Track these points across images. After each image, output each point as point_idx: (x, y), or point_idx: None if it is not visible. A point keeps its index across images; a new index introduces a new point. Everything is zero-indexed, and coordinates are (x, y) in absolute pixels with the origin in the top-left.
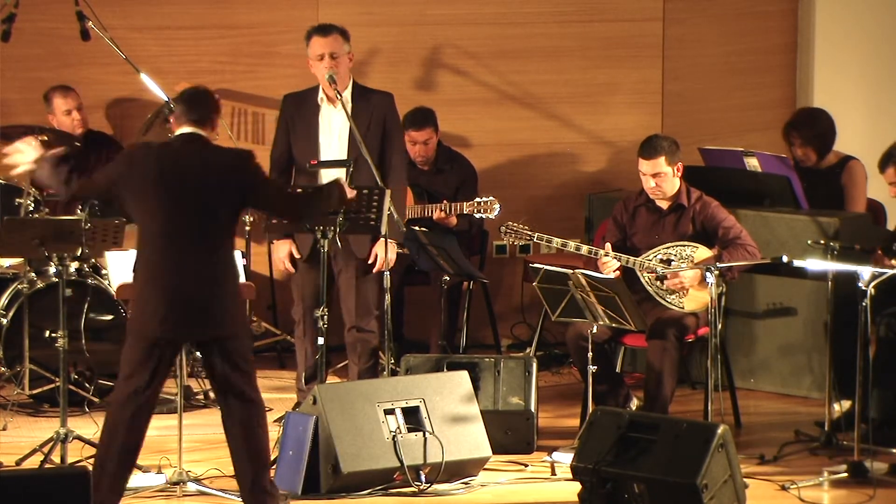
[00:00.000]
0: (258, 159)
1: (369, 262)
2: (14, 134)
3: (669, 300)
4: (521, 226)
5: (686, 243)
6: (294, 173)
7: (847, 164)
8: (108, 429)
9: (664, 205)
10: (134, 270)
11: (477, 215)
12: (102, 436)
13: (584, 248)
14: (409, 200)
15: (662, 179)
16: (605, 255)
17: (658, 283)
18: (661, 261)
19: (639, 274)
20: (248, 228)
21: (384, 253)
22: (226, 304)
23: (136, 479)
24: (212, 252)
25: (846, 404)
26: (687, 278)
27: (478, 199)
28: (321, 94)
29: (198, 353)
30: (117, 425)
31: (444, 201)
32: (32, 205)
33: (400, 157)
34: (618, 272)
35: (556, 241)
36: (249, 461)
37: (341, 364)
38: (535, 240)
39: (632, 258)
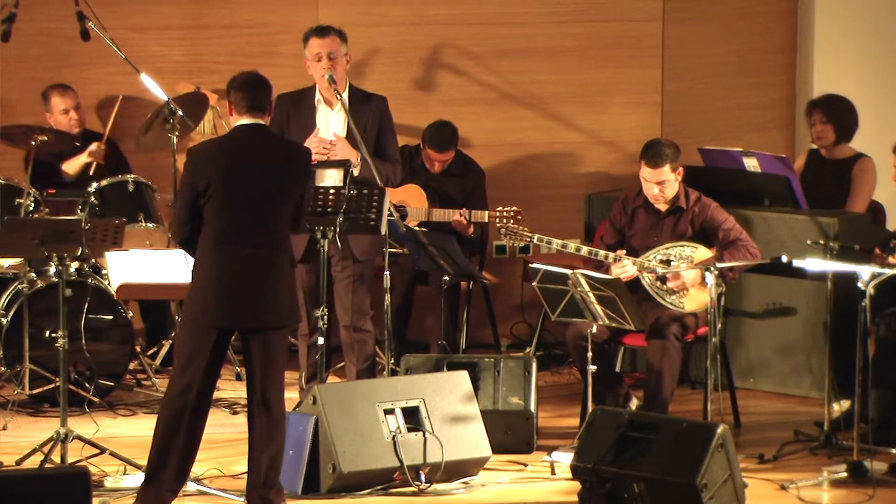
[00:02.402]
0: None
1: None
2: (14, 134)
3: (670, 300)
4: (521, 228)
5: (685, 243)
6: None
7: (861, 159)
8: (165, 423)
9: (663, 206)
10: (195, 264)
11: (498, 226)
12: (159, 432)
13: (585, 250)
14: (423, 202)
15: (666, 187)
16: (622, 260)
17: (659, 283)
18: (661, 261)
19: (639, 274)
20: None
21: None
22: (281, 296)
23: (135, 479)
24: (273, 243)
25: (845, 404)
26: (689, 279)
27: (500, 209)
28: (318, 96)
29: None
30: (176, 418)
31: (465, 209)
32: (32, 205)
33: (396, 150)
34: (633, 274)
35: (556, 243)
36: (268, 459)
37: (341, 364)
38: (534, 241)
39: (632, 259)
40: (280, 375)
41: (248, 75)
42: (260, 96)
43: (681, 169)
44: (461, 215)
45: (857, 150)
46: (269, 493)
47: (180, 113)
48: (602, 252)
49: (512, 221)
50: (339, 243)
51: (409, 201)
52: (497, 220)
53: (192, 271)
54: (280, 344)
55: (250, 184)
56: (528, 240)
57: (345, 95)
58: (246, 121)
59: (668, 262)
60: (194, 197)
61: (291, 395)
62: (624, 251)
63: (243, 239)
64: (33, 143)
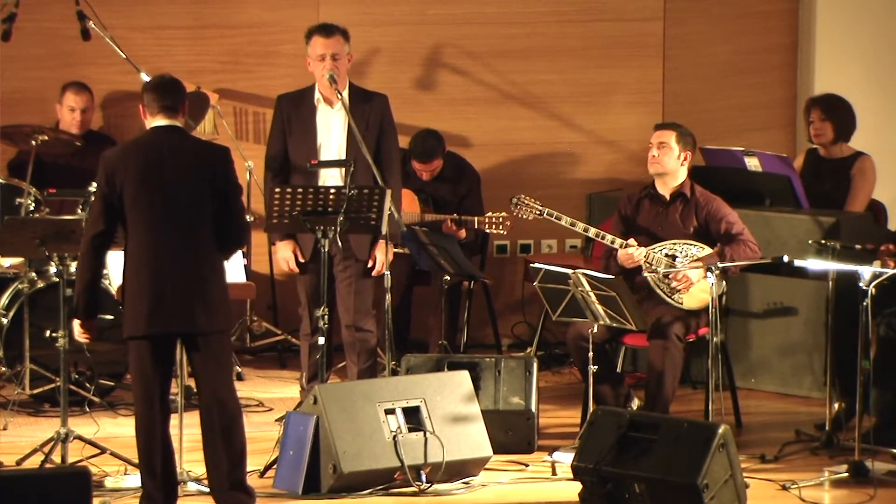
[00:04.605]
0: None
1: (368, 265)
2: (14, 134)
3: (671, 297)
4: (532, 200)
5: (693, 242)
6: (291, 174)
7: (860, 157)
8: (144, 441)
9: (666, 193)
10: (123, 274)
11: (487, 230)
12: (142, 451)
13: (592, 231)
14: (415, 207)
15: (664, 152)
16: (632, 248)
17: (661, 277)
18: (667, 255)
19: (642, 263)
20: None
21: (383, 255)
22: (215, 299)
23: (136, 479)
24: (197, 246)
25: (837, 406)
26: (693, 277)
27: (489, 215)
28: (318, 95)
29: None
30: (151, 432)
31: (455, 213)
32: (33, 204)
33: (395, 158)
34: (640, 261)
35: (565, 219)
36: (229, 461)
37: (341, 364)
38: (544, 214)
39: (638, 248)
40: (228, 375)
41: (160, 77)
42: (171, 97)
43: (688, 154)
44: (451, 221)
45: (856, 149)
46: (238, 496)
47: None
48: (609, 236)
49: (501, 227)
50: (339, 243)
51: (402, 206)
52: (486, 225)
53: (122, 281)
54: (222, 345)
55: (167, 185)
56: (538, 213)
57: (345, 94)
58: (160, 121)
59: (673, 258)
60: (109, 202)
61: (292, 395)
62: (634, 241)
63: (166, 243)
64: (33, 142)
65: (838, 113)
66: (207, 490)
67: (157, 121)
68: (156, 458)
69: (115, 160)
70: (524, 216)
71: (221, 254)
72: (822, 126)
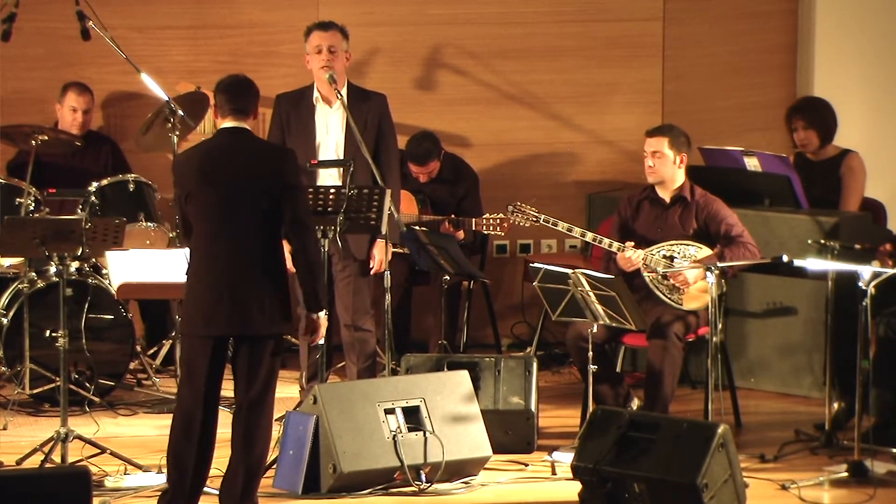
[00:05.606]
0: None
1: (369, 266)
2: (14, 134)
3: (670, 297)
4: (529, 206)
5: (691, 243)
6: None
7: (847, 156)
8: (179, 431)
9: (666, 196)
10: (187, 271)
11: (484, 232)
12: (173, 440)
13: (590, 235)
14: (413, 209)
15: (660, 161)
16: (629, 251)
17: (660, 278)
18: (665, 256)
19: (640, 266)
20: None
21: (382, 254)
22: (273, 301)
23: (136, 479)
24: (257, 248)
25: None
26: (690, 276)
27: (486, 216)
28: (316, 94)
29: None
30: (189, 426)
31: (453, 215)
32: (33, 204)
33: (394, 158)
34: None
35: (562, 225)
36: (245, 466)
37: (341, 364)
38: (541, 221)
39: (636, 250)
40: (272, 381)
41: (233, 78)
42: (243, 99)
43: (684, 157)
44: (448, 222)
45: (843, 147)
46: (250, 500)
47: (180, 112)
48: (606, 240)
49: (498, 229)
50: (339, 243)
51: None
52: (484, 227)
53: (186, 279)
54: (274, 348)
55: (227, 186)
56: (535, 220)
57: (344, 93)
58: (229, 124)
59: (671, 259)
60: (184, 204)
61: (292, 395)
62: (632, 243)
63: (227, 244)
64: (33, 143)
65: (821, 118)
66: (212, 491)
67: (226, 122)
68: (189, 456)
69: (182, 163)
70: (521, 223)
71: (297, 270)
72: (807, 135)
